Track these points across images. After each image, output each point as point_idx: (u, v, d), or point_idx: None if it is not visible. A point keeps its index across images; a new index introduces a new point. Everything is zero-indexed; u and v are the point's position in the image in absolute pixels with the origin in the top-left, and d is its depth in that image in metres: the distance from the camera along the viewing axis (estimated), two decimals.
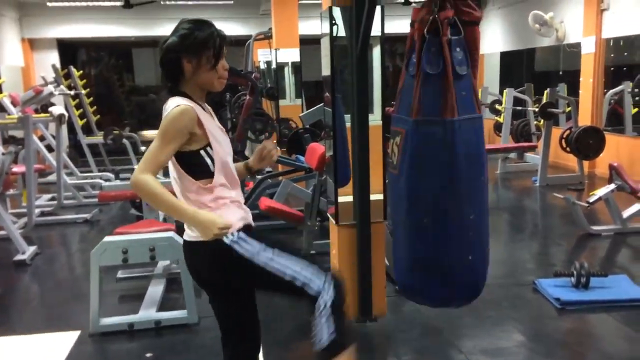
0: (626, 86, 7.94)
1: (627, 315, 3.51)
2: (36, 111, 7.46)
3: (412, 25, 2.06)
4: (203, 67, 1.90)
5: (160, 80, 1.96)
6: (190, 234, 1.94)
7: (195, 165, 1.90)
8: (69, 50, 11.40)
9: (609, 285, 3.86)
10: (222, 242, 1.87)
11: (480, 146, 2.05)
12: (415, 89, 1.99)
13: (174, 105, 1.85)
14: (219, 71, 1.94)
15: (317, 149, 4.78)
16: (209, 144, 1.90)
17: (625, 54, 8.72)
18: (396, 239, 2.28)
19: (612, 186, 5.20)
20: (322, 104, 5.27)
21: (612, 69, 8.55)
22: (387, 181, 2.25)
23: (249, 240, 1.92)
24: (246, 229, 1.96)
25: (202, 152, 1.90)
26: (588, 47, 8.22)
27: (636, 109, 7.82)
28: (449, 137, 1.97)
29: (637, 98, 6.47)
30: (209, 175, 1.91)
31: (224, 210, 1.91)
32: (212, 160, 1.91)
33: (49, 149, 7.49)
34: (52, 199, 7.06)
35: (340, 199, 3.47)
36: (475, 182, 2.08)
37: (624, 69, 8.73)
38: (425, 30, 1.96)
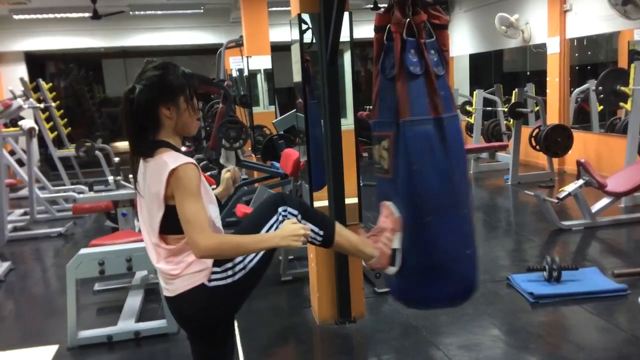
0: (591, 84, 8.14)
1: (598, 306, 3.61)
2: (5, 125, 7.34)
3: (377, 30, 2.10)
4: (182, 112, 1.83)
5: (129, 133, 1.82)
6: (172, 288, 1.87)
7: (174, 221, 1.78)
8: (37, 62, 11.23)
9: (580, 278, 3.96)
10: (205, 287, 1.83)
11: (462, 142, 2.11)
12: (401, 90, 1.98)
13: (178, 163, 1.75)
14: (195, 113, 1.88)
15: (292, 155, 4.82)
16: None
17: (589, 53, 8.96)
18: None
19: (580, 182, 5.33)
20: (294, 110, 5.32)
21: (577, 68, 8.76)
22: (376, 185, 2.19)
23: (222, 269, 1.86)
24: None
25: None
26: (553, 48, 8.43)
27: (602, 107, 8.02)
28: (441, 133, 1.99)
29: (601, 96, 6.64)
30: (180, 232, 1.81)
31: (206, 263, 1.84)
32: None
33: (20, 163, 7.38)
34: (25, 213, 6.96)
35: (316, 204, 3.51)
36: (466, 177, 2.13)
37: (589, 67, 8.96)
38: (404, 32, 2.00)
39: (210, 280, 1.84)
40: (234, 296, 1.90)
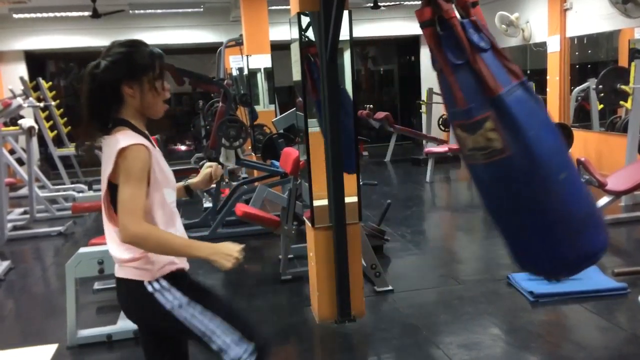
0: (591, 83, 8.13)
1: (598, 305, 3.61)
2: (5, 124, 7.34)
3: (426, 25, 2.00)
4: (146, 92, 1.78)
5: (87, 109, 1.77)
6: (118, 271, 1.86)
7: None
8: (37, 62, 11.22)
9: (580, 277, 3.92)
10: (145, 287, 1.80)
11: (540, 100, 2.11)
12: (482, 68, 1.91)
13: (128, 143, 1.70)
14: (163, 94, 1.83)
15: (291, 154, 4.81)
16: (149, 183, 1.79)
17: (589, 51, 8.95)
18: (522, 227, 2.10)
19: None
20: (294, 109, 5.31)
21: (577, 66, 8.76)
22: (481, 175, 2.06)
23: (172, 291, 1.82)
24: (174, 276, 1.85)
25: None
26: (553, 46, 8.42)
27: (602, 105, 8.02)
28: (531, 95, 1.97)
29: (601, 94, 6.63)
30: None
31: (163, 261, 1.82)
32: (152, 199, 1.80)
33: (20, 162, 7.38)
34: (25, 212, 6.95)
35: (316, 203, 3.51)
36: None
37: (589, 66, 8.95)
38: (457, 16, 1.96)
39: (151, 283, 1.80)
40: (164, 317, 1.82)
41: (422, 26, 1.98)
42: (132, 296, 1.85)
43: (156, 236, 1.70)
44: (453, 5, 1.96)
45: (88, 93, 1.76)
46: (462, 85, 1.95)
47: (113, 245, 1.83)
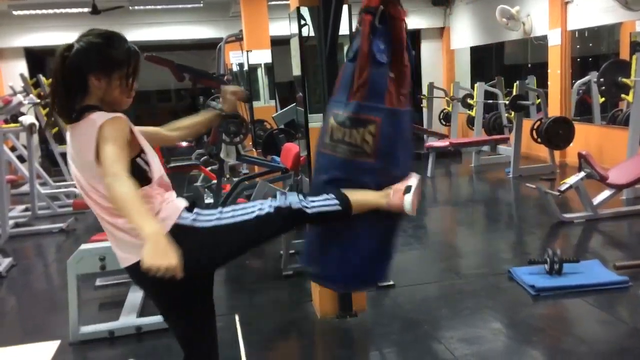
0: (593, 76, 8.12)
1: (599, 298, 3.61)
2: (6, 121, 7.35)
3: (368, 11, 1.98)
4: (114, 87, 1.73)
5: (61, 93, 1.71)
6: (130, 257, 1.79)
7: (131, 175, 1.64)
8: (37, 58, 11.21)
9: (582, 271, 3.96)
10: (181, 225, 1.75)
11: None
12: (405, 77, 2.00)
13: (107, 117, 1.66)
14: (129, 92, 1.78)
15: (292, 149, 4.81)
16: (142, 150, 1.77)
17: (590, 44, 8.93)
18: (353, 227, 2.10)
19: (582, 174, 5.32)
20: (294, 104, 5.31)
21: (578, 60, 8.74)
22: (327, 165, 2.08)
23: (204, 212, 1.81)
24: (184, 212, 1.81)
25: (137, 159, 1.75)
26: (554, 40, 8.39)
27: (603, 99, 8.00)
28: (409, 123, 2.08)
29: (602, 88, 6.62)
30: (148, 182, 1.75)
31: (171, 207, 1.78)
32: (149, 165, 1.77)
33: (21, 159, 7.38)
34: (26, 209, 6.97)
35: None
36: None
37: (590, 59, 8.94)
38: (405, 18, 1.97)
39: (180, 218, 1.76)
40: (208, 245, 1.80)
41: (365, 10, 1.97)
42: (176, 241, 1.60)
43: (131, 199, 1.53)
44: (399, 8, 1.96)
45: (58, 74, 1.71)
46: (372, 82, 1.96)
47: (117, 219, 1.73)
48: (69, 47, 1.71)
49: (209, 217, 1.81)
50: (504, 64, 11.51)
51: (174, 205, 1.80)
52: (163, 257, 1.46)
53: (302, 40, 3.35)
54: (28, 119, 6.26)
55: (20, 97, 6.82)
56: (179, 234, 1.70)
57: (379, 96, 1.97)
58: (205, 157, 6.23)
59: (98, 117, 1.66)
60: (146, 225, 1.50)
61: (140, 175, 1.72)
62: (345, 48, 3.48)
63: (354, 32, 2.04)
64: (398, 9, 1.96)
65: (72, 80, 1.70)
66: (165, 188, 1.82)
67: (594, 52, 9.05)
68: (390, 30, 1.95)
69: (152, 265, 1.46)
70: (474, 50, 11.41)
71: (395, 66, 1.97)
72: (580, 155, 5.42)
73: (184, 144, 12.48)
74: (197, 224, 1.78)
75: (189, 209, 1.82)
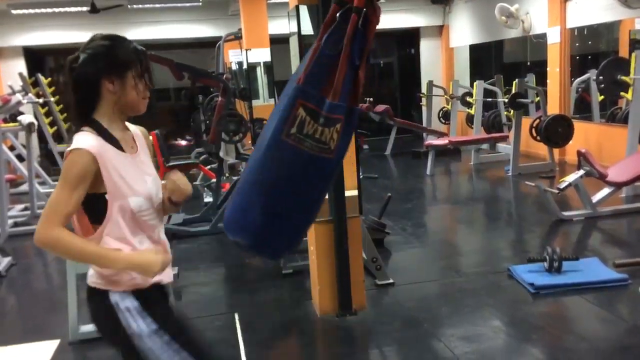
0: (592, 74, 8.11)
1: (599, 296, 3.61)
2: (5, 120, 7.34)
3: (339, 2, 1.99)
4: (129, 88, 1.70)
5: (73, 107, 1.70)
6: (89, 277, 1.73)
7: (92, 210, 1.65)
8: (36, 57, 11.19)
9: (581, 268, 3.96)
10: (108, 298, 1.68)
11: None
12: (361, 79, 2.02)
13: (74, 146, 1.61)
14: (143, 91, 1.74)
15: None
16: (106, 192, 1.66)
17: (590, 42, 8.93)
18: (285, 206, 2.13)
19: (581, 172, 5.32)
20: None
21: (577, 57, 8.74)
22: (291, 157, 2.08)
23: (141, 315, 1.69)
24: (141, 293, 1.71)
25: (97, 196, 1.65)
26: (553, 38, 8.39)
27: (602, 96, 8.00)
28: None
29: (601, 86, 6.62)
30: (98, 222, 1.66)
31: (125, 277, 1.69)
32: (106, 209, 1.65)
33: (20, 158, 7.38)
34: (25, 209, 6.96)
35: None
36: None
37: (589, 57, 8.94)
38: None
39: (114, 293, 1.69)
40: (123, 338, 1.69)
41: (354, 10, 1.97)
42: (94, 305, 1.73)
43: (66, 243, 1.56)
44: (377, 11, 1.97)
45: (66, 87, 1.70)
46: (346, 82, 2.00)
47: None
48: (75, 58, 1.69)
49: (135, 325, 1.68)
50: (503, 62, 11.51)
51: (128, 279, 1.69)
52: (147, 271, 1.62)
53: (302, 38, 3.35)
54: (27, 118, 6.25)
55: (19, 96, 6.81)
56: (101, 303, 1.69)
57: (345, 96, 2.01)
58: (205, 155, 6.23)
59: (75, 141, 1.63)
60: (108, 263, 1.61)
61: (92, 211, 1.67)
62: None
63: (329, 20, 2.01)
64: (376, 12, 1.98)
65: (84, 90, 1.68)
66: (133, 230, 1.70)
67: (593, 50, 9.05)
68: (367, 32, 1.98)
69: (151, 277, 1.64)
70: (473, 49, 11.40)
71: (361, 67, 2.01)
72: (579, 153, 5.42)
73: (183, 142, 12.49)
74: (120, 314, 1.68)
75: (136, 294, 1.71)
